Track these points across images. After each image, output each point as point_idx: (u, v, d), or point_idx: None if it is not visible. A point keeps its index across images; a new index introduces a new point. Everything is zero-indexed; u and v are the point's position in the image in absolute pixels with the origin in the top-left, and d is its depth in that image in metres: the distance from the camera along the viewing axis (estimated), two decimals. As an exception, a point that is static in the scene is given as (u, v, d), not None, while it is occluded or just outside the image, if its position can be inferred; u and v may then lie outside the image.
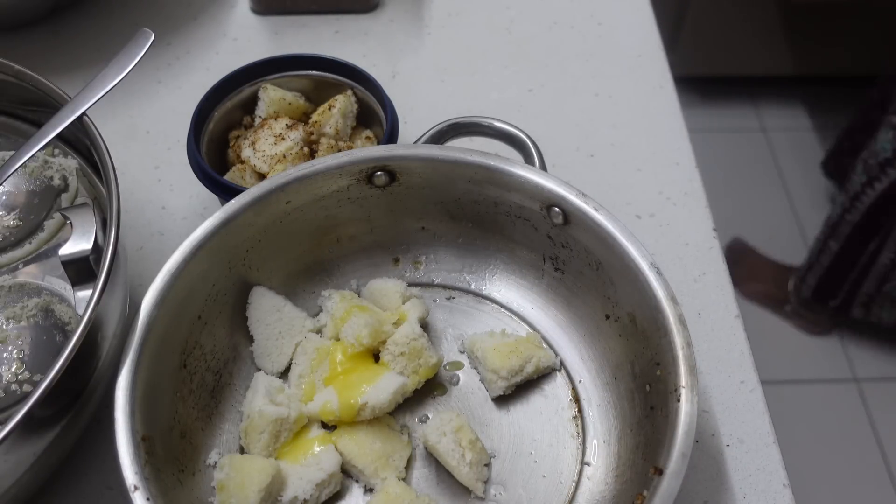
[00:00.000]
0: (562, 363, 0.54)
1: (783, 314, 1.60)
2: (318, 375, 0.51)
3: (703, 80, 1.88)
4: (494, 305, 0.57)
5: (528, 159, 0.56)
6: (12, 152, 0.51)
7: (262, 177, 0.59)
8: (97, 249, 0.48)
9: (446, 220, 0.57)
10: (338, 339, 0.52)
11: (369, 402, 0.49)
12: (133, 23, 0.80)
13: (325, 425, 0.50)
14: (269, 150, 0.59)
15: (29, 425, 0.40)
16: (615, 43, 0.78)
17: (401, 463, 0.49)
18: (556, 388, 0.53)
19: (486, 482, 0.49)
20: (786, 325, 1.60)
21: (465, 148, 0.53)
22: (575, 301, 0.55)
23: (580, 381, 0.53)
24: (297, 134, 0.60)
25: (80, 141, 0.57)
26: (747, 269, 1.63)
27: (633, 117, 0.72)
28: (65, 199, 0.57)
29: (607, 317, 0.52)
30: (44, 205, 0.57)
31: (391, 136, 0.58)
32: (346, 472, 0.49)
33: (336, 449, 0.49)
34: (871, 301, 1.42)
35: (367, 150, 0.53)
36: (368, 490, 0.49)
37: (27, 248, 0.55)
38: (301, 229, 0.55)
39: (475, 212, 0.56)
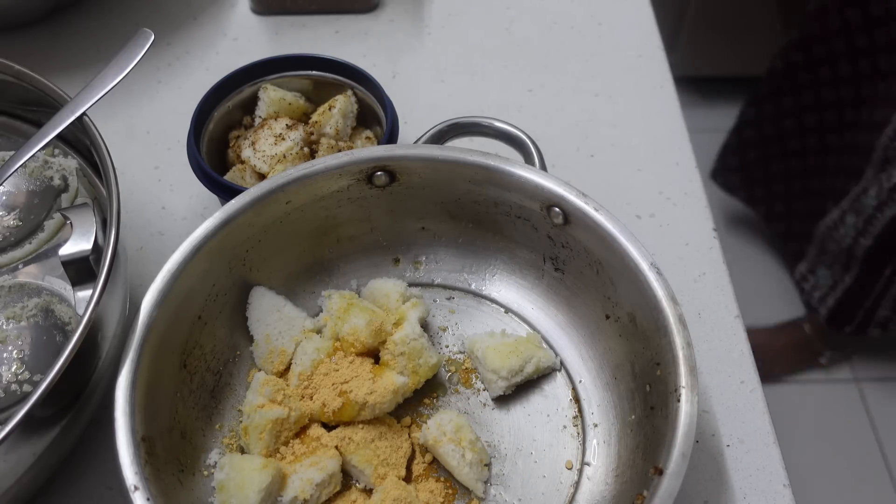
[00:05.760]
0: (562, 363, 0.54)
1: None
2: (318, 375, 0.51)
3: (703, 80, 1.87)
4: (494, 305, 0.57)
5: (528, 159, 0.56)
6: (12, 152, 0.51)
7: (262, 177, 0.59)
8: (97, 249, 0.48)
9: (446, 220, 0.57)
10: (338, 339, 0.52)
11: (369, 402, 0.48)
12: (133, 23, 0.80)
13: (325, 425, 0.50)
14: (269, 150, 0.59)
15: (29, 425, 0.40)
16: (615, 43, 0.78)
17: (401, 463, 0.49)
18: (556, 388, 0.53)
19: (486, 482, 0.49)
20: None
21: (465, 148, 0.53)
22: (575, 301, 0.55)
23: (580, 381, 0.53)
24: (297, 134, 0.60)
25: (80, 141, 0.57)
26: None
27: (633, 117, 0.72)
28: (65, 199, 0.57)
29: (607, 317, 0.52)
30: (44, 205, 0.57)
31: (391, 137, 0.58)
32: (346, 472, 0.49)
33: (336, 449, 0.49)
34: (888, 321, 1.39)
35: (367, 150, 0.53)
36: (368, 490, 0.49)
37: (27, 248, 0.55)
38: (301, 229, 0.55)
39: (475, 212, 0.56)
